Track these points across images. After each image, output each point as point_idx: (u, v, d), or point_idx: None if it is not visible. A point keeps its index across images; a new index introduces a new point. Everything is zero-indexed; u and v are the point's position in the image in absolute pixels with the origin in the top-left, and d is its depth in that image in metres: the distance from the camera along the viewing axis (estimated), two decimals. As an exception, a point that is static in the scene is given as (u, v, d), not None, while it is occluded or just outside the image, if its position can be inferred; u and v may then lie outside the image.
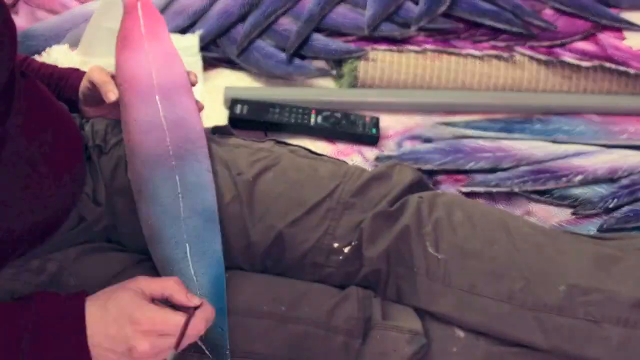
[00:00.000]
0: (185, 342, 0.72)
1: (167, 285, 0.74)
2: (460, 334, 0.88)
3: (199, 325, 0.73)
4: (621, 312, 0.84)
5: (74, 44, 1.29)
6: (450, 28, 1.34)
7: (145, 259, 0.87)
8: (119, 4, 1.27)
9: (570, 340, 0.85)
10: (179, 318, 0.72)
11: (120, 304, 0.72)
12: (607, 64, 1.30)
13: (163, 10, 1.36)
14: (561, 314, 0.85)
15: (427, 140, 1.23)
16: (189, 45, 1.30)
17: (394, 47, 1.30)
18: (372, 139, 1.21)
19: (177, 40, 1.31)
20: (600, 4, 1.40)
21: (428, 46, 1.30)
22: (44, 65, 1.00)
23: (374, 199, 0.93)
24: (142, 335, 0.70)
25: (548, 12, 1.40)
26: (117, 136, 0.94)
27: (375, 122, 1.22)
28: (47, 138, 0.80)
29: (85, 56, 1.25)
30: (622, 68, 1.29)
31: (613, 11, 1.40)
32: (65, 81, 0.98)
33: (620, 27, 1.35)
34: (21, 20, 1.36)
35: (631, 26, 1.36)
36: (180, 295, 0.74)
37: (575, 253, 0.90)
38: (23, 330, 0.69)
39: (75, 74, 0.98)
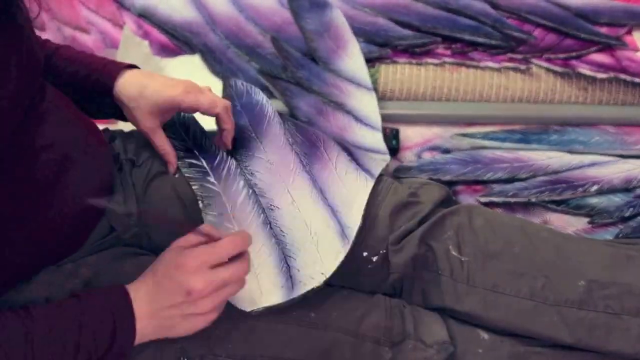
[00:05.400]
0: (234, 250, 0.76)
1: (200, 230, 0.77)
2: (485, 335, 0.91)
3: (242, 242, 0.75)
4: (639, 304, 0.87)
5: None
6: (429, 42, 1.35)
7: None
8: (137, 42, 1.33)
9: (592, 333, 0.88)
10: (220, 241, 0.74)
11: (164, 262, 0.74)
12: (622, 76, 1.31)
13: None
14: (582, 307, 0.88)
15: (446, 151, 1.26)
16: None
17: (414, 60, 1.32)
18: (392, 151, 1.22)
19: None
20: (579, 19, 1.41)
21: (447, 59, 1.32)
22: (72, 57, 0.97)
23: (404, 219, 0.96)
24: (192, 273, 0.72)
25: (537, 31, 1.41)
26: (149, 151, 0.98)
27: (395, 134, 1.24)
28: (71, 144, 0.83)
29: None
30: (637, 79, 1.31)
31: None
32: (97, 77, 0.93)
33: (599, 41, 1.36)
34: (47, 36, 1.38)
35: (609, 41, 1.37)
36: (215, 232, 0.77)
37: (592, 252, 0.94)
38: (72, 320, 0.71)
39: (107, 71, 0.93)
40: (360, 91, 1.22)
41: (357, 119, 1.18)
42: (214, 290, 0.73)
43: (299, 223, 0.94)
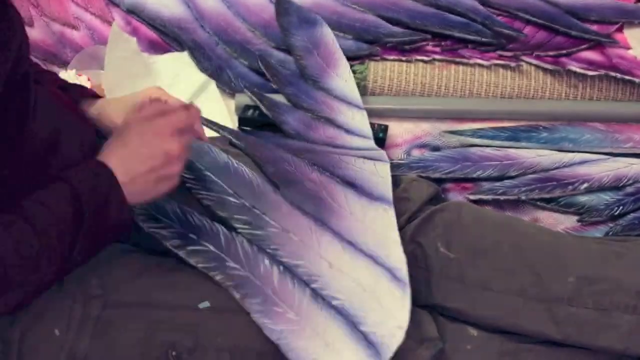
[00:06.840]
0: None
1: (150, 92, 0.91)
2: (474, 332, 0.91)
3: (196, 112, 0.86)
4: (629, 300, 0.88)
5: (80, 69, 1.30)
6: (418, 39, 1.35)
7: (165, 260, 0.88)
8: (126, 38, 1.32)
9: (581, 330, 0.88)
10: (184, 107, 0.84)
11: (137, 132, 0.80)
12: (613, 73, 1.31)
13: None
14: (571, 304, 0.88)
15: (435, 148, 1.25)
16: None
17: (403, 57, 1.32)
18: (378, 141, 1.20)
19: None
20: (570, 16, 1.41)
21: (436, 56, 1.32)
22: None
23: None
24: (170, 137, 0.79)
25: (527, 28, 1.41)
26: None
27: (384, 129, 1.23)
28: (59, 127, 0.83)
29: (112, 88, 1.26)
30: (627, 77, 1.30)
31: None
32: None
33: (589, 38, 1.36)
34: (36, 32, 1.38)
35: (600, 38, 1.37)
36: (166, 96, 0.92)
37: (582, 249, 0.94)
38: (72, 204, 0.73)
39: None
40: (351, 110, 1.20)
41: (348, 131, 1.16)
42: (184, 151, 0.80)
43: (348, 285, 0.85)
